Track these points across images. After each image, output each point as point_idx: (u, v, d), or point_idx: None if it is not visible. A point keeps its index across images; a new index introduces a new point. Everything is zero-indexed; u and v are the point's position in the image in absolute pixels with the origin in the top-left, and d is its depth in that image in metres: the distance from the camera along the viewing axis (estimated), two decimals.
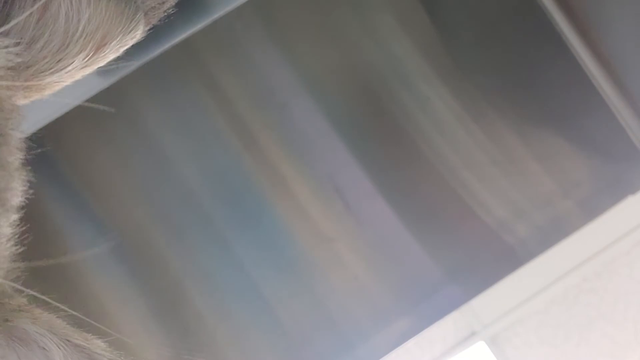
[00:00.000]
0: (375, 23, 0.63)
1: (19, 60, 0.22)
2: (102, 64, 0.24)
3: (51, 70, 0.23)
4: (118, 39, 0.24)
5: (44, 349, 0.23)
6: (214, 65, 0.62)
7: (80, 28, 0.23)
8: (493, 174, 0.64)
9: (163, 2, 0.26)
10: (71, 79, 0.24)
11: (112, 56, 0.25)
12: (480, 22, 0.64)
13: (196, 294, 0.63)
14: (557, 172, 0.65)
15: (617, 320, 1.09)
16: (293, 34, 0.63)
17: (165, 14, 0.26)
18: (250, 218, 0.62)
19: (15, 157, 0.23)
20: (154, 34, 0.59)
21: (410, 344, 0.65)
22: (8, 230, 0.23)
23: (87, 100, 0.57)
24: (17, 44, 0.22)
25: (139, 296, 0.62)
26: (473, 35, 0.64)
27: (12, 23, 0.22)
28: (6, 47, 0.22)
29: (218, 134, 0.62)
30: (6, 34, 0.22)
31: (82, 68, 0.24)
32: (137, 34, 0.25)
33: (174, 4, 0.26)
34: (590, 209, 0.66)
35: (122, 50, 0.25)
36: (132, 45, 0.59)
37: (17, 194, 0.23)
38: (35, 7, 0.22)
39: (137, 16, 0.25)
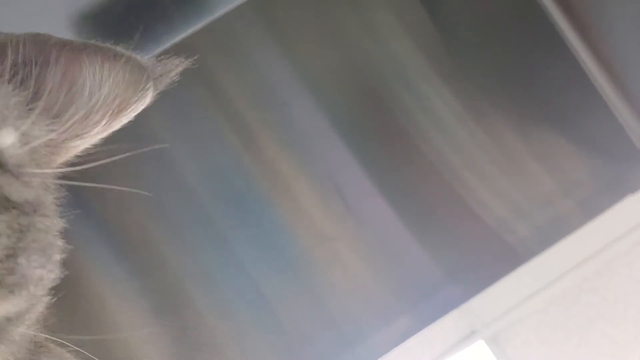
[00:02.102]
0: (375, 23, 0.63)
1: (53, 133, 0.25)
2: (117, 127, 0.27)
3: (78, 137, 0.26)
4: (132, 107, 0.27)
5: None
6: (214, 64, 0.62)
7: (101, 99, 0.26)
8: (493, 174, 0.64)
9: (170, 70, 0.28)
10: (92, 142, 0.27)
11: (125, 121, 0.28)
12: (480, 22, 0.65)
13: (196, 293, 0.63)
14: (557, 171, 0.65)
15: (618, 320, 1.10)
16: (293, 33, 0.63)
17: (173, 80, 0.28)
18: (250, 217, 0.63)
19: (55, 215, 0.26)
20: (154, 33, 0.59)
21: (410, 343, 0.65)
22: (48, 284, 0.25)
23: None
24: (51, 120, 0.25)
25: (139, 295, 0.62)
26: (473, 35, 0.65)
27: (44, 98, 0.25)
28: (46, 125, 0.25)
29: (218, 133, 0.62)
30: (41, 110, 0.25)
31: (101, 132, 0.27)
32: (147, 100, 0.28)
33: (180, 71, 0.29)
34: (590, 209, 0.66)
35: (133, 115, 0.28)
36: (133, 45, 0.59)
37: (58, 250, 0.26)
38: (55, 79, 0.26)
39: (149, 84, 0.27)
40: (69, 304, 0.60)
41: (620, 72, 0.64)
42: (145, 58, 0.28)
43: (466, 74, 0.64)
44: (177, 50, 0.59)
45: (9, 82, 0.24)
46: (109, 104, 0.26)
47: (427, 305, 0.64)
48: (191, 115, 0.62)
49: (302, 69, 0.62)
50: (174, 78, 0.28)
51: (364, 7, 0.62)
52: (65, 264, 0.27)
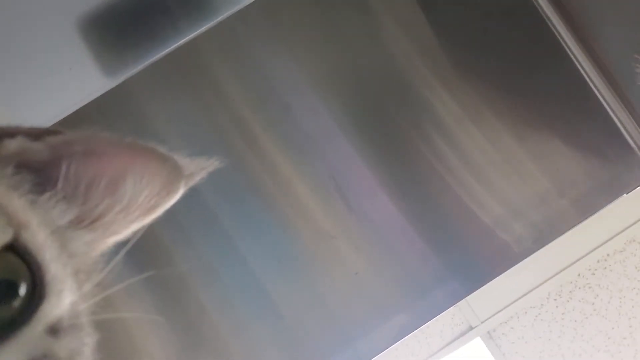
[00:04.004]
0: (377, 28, 0.63)
1: (95, 234, 0.27)
2: (149, 220, 0.29)
3: (117, 233, 0.28)
4: (165, 204, 0.29)
5: None
6: (218, 66, 0.62)
7: (140, 200, 0.28)
8: (491, 174, 0.65)
9: (202, 169, 0.30)
10: (124, 236, 0.29)
11: (155, 216, 0.29)
12: (478, 28, 0.65)
13: (200, 289, 0.63)
14: (553, 171, 0.65)
15: (611, 315, 1.11)
16: (296, 36, 0.63)
17: (201, 178, 0.30)
18: (253, 216, 0.63)
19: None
20: (160, 36, 0.60)
21: (409, 338, 0.65)
22: None
23: (95, 100, 0.58)
24: (92, 222, 0.27)
25: (145, 291, 0.63)
26: (472, 41, 0.65)
27: (90, 207, 0.27)
28: (91, 238, 0.27)
29: (222, 134, 0.63)
30: (83, 215, 0.27)
31: (134, 227, 0.29)
32: (177, 197, 0.29)
33: (210, 171, 0.30)
34: (585, 208, 0.66)
35: (164, 209, 0.29)
36: (140, 46, 0.60)
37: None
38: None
39: (181, 183, 0.29)
40: None
41: (615, 74, 0.64)
42: (180, 158, 0.29)
43: (465, 78, 0.64)
44: (182, 52, 0.60)
45: (62, 196, 0.26)
46: (145, 203, 0.28)
47: (425, 301, 0.65)
48: (196, 115, 0.62)
49: (304, 71, 0.63)
50: (204, 175, 0.30)
51: (366, 12, 0.63)
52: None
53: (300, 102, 0.63)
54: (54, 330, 0.23)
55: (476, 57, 0.65)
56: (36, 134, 0.27)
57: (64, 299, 0.23)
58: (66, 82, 0.56)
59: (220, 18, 0.59)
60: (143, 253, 0.62)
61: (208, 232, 0.63)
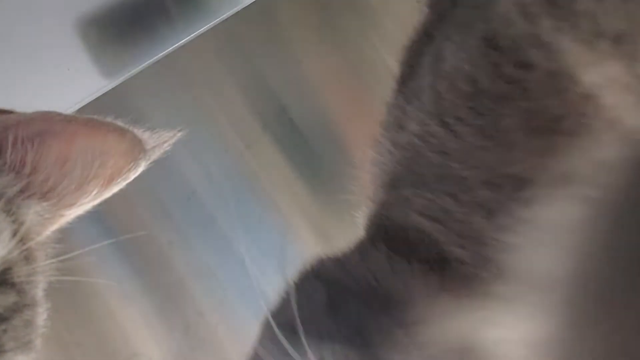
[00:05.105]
0: (375, 27, 0.64)
1: (46, 204, 0.26)
2: (109, 195, 0.28)
3: (72, 205, 0.27)
4: (124, 177, 0.28)
5: None
6: (217, 67, 0.63)
7: (93, 172, 0.27)
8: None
9: (163, 142, 0.29)
10: (85, 209, 0.28)
11: (117, 188, 0.28)
12: None
13: (198, 291, 0.63)
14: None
15: None
16: (295, 37, 0.63)
17: (164, 151, 0.29)
18: (251, 217, 0.63)
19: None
20: (158, 37, 0.60)
21: None
22: None
23: (93, 101, 0.58)
24: (45, 196, 0.26)
25: (142, 294, 0.63)
26: None
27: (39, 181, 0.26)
28: (40, 207, 0.26)
29: (220, 135, 0.63)
30: (32, 187, 0.26)
31: (94, 200, 0.28)
32: (140, 169, 0.29)
33: (172, 143, 0.30)
34: None
35: (125, 183, 0.28)
36: (139, 47, 0.60)
37: (41, 325, 0.27)
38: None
39: (141, 155, 0.28)
40: (72, 303, 0.61)
41: None
42: (140, 131, 0.28)
43: None
44: (181, 53, 0.60)
45: (9, 167, 0.26)
46: (101, 175, 0.27)
47: None
48: (195, 117, 0.62)
49: (302, 71, 0.63)
50: (167, 148, 0.29)
51: (365, 12, 0.63)
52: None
53: (298, 102, 0.63)
54: None
55: None
56: None
57: None
58: (64, 83, 0.56)
59: (218, 19, 0.59)
60: (139, 255, 0.63)
61: (206, 233, 0.63)
